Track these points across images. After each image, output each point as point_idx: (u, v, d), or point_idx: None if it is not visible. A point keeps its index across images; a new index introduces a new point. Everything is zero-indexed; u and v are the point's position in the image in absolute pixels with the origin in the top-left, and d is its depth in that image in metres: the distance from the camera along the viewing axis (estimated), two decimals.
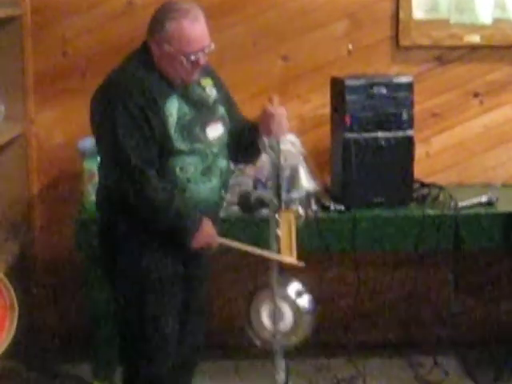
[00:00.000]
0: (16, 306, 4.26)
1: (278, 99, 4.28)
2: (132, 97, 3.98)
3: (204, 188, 4.16)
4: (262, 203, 4.39)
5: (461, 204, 5.31)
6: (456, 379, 5.47)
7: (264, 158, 4.48)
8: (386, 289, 5.95)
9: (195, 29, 4.03)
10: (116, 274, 4.27)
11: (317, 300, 5.01)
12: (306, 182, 4.60)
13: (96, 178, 4.62)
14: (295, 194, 4.59)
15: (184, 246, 4.15)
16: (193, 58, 4.03)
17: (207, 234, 4.16)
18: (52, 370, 5.65)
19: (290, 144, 5.45)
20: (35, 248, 5.84)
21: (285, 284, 4.32)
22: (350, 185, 5.33)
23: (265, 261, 4.35)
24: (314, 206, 4.68)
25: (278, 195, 4.28)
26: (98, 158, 4.40)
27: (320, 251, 5.13)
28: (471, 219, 5.29)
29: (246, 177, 5.11)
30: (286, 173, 4.48)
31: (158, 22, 4.06)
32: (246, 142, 4.36)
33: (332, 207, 5.25)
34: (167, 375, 4.27)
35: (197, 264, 4.35)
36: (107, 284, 4.37)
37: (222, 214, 4.58)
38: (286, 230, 4.29)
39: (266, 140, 4.25)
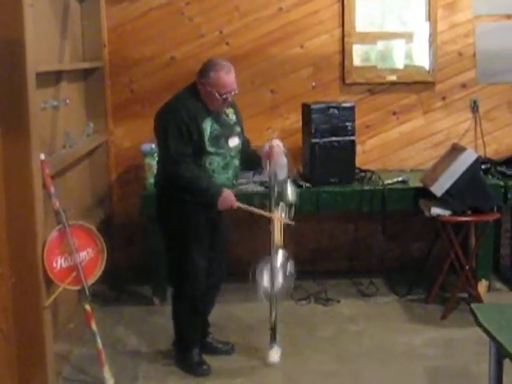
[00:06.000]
0: (105, 250, 4.16)
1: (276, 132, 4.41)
2: (179, 116, 3.99)
3: (223, 177, 4.15)
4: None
5: (386, 182, 5.30)
6: (383, 292, 5.44)
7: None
8: (338, 235, 5.86)
9: (227, 78, 4.03)
10: (166, 230, 4.26)
11: (294, 242, 5.02)
12: (290, 195, 4.58)
13: (153, 169, 4.66)
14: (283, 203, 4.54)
15: (211, 208, 4.11)
16: (224, 96, 4.04)
17: (228, 199, 4.09)
18: (125, 290, 5.61)
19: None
20: (114, 213, 5.81)
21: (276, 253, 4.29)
22: (315, 171, 5.28)
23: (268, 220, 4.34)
24: (292, 213, 4.64)
25: (270, 201, 4.31)
26: (157, 155, 4.40)
27: (296, 212, 5.08)
28: (392, 191, 5.26)
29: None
30: (278, 188, 4.40)
31: (205, 71, 4.05)
32: (248, 161, 4.39)
33: (304, 185, 5.21)
34: (199, 294, 4.24)
35: (219, 222, 4.30)
36: (160, 236, 4.33)
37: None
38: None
39: (267, 164, 4.26)
